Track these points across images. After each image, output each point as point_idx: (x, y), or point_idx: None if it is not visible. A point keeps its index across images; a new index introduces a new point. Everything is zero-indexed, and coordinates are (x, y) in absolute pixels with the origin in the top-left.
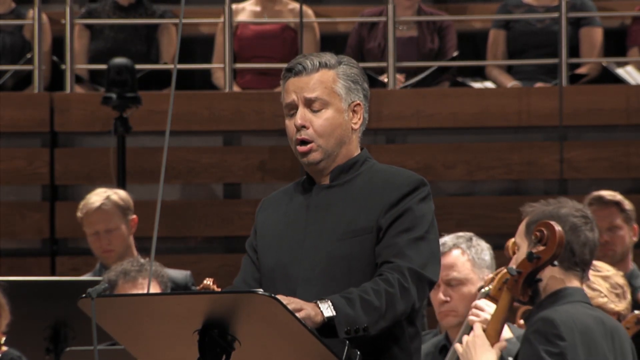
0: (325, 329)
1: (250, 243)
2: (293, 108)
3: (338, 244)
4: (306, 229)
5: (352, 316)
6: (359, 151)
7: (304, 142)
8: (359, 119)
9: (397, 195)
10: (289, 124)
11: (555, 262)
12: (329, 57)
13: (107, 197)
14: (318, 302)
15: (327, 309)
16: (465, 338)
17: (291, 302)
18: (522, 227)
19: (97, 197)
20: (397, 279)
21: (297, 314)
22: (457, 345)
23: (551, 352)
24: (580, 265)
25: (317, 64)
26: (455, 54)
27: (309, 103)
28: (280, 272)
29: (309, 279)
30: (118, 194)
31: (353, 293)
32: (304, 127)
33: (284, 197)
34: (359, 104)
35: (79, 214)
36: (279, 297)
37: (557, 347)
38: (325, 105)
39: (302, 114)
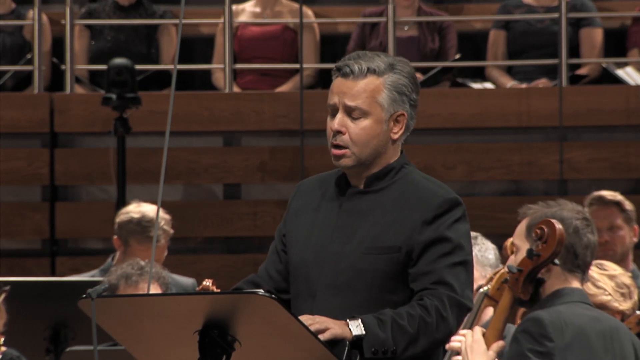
0: (352, 346)
1: (279, 230)
2: (334, 110)
3: (363, 258)
4: (333, 233)
5: (382, 338)
6: (397, 157)
7: (338, 146)
8: (400, 129)
9: (430, 216)
10: (329, 123)
11: (556, 261)
12: (380, 62)
13: (163, 228)
14: (348, 320)
15: (357, 328)
16: (464, 341)
17: (316, 322)
18: (521, 228)
19: (158, 230)
20: (435, 307)
21: (322, 335)
22: (447, 346)
23: (537, 351)
24: (581, 267)
25: (366, 69)
26: (457, 56)
27: (348, 110)
28: (303, 271)
29: (330, 286)
30: (166, 220)
31: (386, 315)
32: (340, 132)
33: (319, 190)
34: (402, 114)
35: (125, 233)
36: (303, 317)
37: (544, 347)
38: (365, 114)
39: (340, 120)
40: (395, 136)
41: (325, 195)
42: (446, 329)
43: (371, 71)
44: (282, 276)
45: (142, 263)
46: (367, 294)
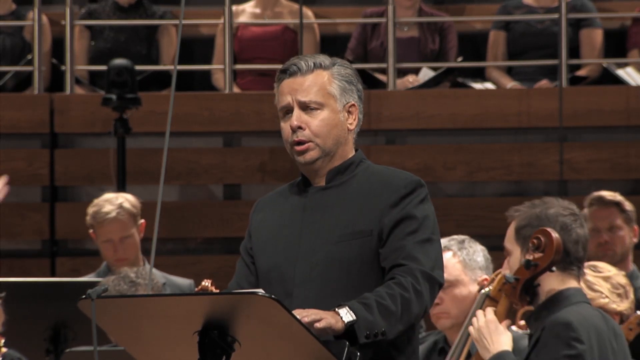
0: (343, 336)
1: (245, 246)
2: (288, 110)
3: (336, 247)
4: (302, 231)
5: (371, 321)
6: (354, 152)
7: (300, 142)
8: (354, 120)
9: (396, 197)
10: (285, 125)
11: (554, 269)
12: (323, 58)
13: (121, 206)
14: (336, 309)
15: (347, 315)
16: (476, 323)
17: (310, 314)
18: (510, 231)
19: (111, 205)
20: (411, 283)
21: (317, 324)
22: (470, 329)
23: (571, 355)
24: (575, 264)
25: (312, 64)
26: (459, 58)
27: (304, 105)
28: (275, 273)
29: (305, 281)
30: (129, 201)
31: (369, 298)
32: (300, 128)
33: (278, 199)
34: (353, 105)
35: (90, 220)
36: (296, 311)
37: (576, 350)
38: (321, 106)
39: (297, 116)
40: (351, 127)
41: (287, 202)
42: (422, 303)
43: (317, 65)
44: (254, 287)
45: (132, 275)
46: (344, 281)
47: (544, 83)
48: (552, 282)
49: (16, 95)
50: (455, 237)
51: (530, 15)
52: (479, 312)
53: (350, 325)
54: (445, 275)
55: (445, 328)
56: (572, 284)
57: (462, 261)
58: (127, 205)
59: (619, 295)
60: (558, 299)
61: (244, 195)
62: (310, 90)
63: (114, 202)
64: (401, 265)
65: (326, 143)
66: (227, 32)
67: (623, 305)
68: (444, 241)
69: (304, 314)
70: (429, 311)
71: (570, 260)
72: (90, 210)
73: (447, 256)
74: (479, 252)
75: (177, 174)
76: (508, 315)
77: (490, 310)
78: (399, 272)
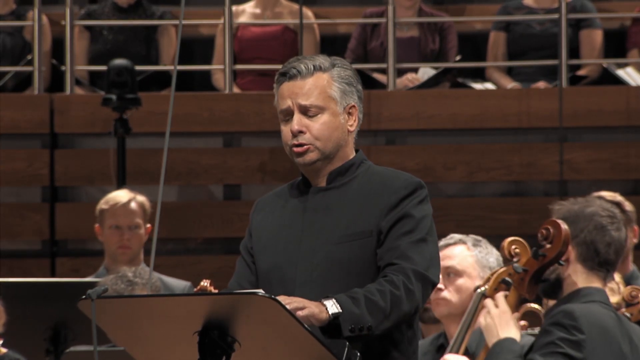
0: (329, 329)
1: (245, 245)
2: (288, 114)
3: (336, 247)
4: (302, 231)
5: (357, 315)
6: (354, 153)
7: (300, 144)
8: (354, 121)
9: (396, 198)
10: (285, 129)
11: (562, 261)
12: (322, 60)
13: (135, 197)
14: (323, 300)
15: (332, 306)
16: (489, 311)
17: (293, 301)
18: None
19: (125, 194)
20: (402, 281)
21: (300, 312)
22: (481, 320)
23: (567, 339)
24: (604, 266)
25: (312, 67)
26: (457, 57)
27: (304, 109)
28: (276, 274)
29: (307, 281)
30: (143, 198)
31: (358, 293)
32: (301, 132)
33: (279, 199)
34: (354, 106)
35: (103, 206)
36: (280, 297)
37: (575, 337)
38: (321, 110)
39: (298, 120)
40: (352, 128)
41: (287, 202)
42: (413, 301)
43: (317, 68)
44: (255, 287)
45: (130, 274)
46: (345, 282)
47: (541, 84)
48: (576, 280)
49: (16, 95)
50: (473, 236)
51: (530, 16)
52: (489, 302)
53: (335, 318)
54: (454, 264)
55: (442, 316)
56: (595, 283)
57: (475, 256)
58: (140, 198)
59: (611, 289)
60: (575, 296)
61: (244, 195)
62: (311, 94)
63: (129, 193)
64: (395, 264)
65: (326, 146)
66: (227, 32)
67: (614, 299)
68: (461, 235)
69: (287, 301)
70: (420, 309)
71: (599, 260)
72: (102, 200)
73: (460, 247)
74: (492, 254)
75: (177, 174)
76: (516, 308)
77: (503, 301)
78: (391, 270)
